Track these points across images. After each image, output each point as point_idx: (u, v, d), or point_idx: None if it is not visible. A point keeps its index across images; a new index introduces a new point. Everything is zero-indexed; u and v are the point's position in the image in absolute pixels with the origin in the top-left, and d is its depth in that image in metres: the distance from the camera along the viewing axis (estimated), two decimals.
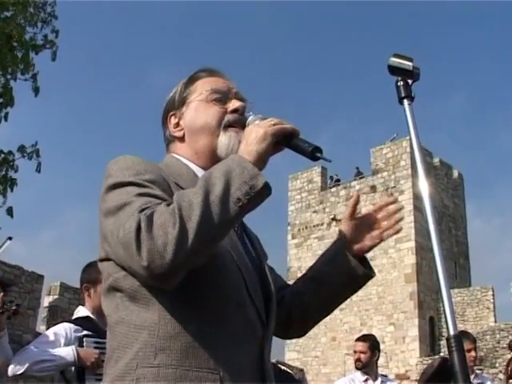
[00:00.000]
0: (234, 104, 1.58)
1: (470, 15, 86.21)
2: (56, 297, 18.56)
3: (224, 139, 1.53)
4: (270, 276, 1.56)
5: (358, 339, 5.51)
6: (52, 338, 3.46)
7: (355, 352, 5.42)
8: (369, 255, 1.64)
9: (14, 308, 3.52)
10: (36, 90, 8.44)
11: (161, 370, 1.27)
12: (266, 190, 1.30)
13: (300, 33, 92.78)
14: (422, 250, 31.12)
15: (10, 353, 3.52)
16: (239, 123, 1.54)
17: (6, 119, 8.19)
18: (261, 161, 1.35)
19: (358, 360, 5.37)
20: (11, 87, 8.20)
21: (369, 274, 1.63)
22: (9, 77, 8.25)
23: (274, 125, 1.40)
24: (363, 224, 1.62)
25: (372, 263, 1.66)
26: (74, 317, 3.71)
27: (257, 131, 1.39)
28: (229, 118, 1.56)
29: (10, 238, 5.18)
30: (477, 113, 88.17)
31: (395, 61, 1.49)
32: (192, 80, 1.63)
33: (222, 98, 1.58)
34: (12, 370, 3.35)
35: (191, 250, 1.22)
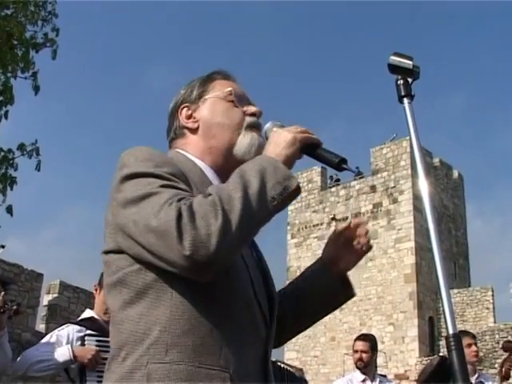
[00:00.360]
0: (252, 108, 1.61)
1: (470, 15, 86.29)
2: (55, 295, 18.51)
3: (245, 138, 1.55)
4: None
5: (359, 339, 5.45)
6: (54, 339, 3.54)
7: (356, 351, 5.33)
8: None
9: (14, 308, 3.52)
10: (36, 89, 8.44)
11: (172, 367, 1.26)
12: (297, 192, 1.34)
13: (300, 33, 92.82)
14: (422, 250, 31.12)
15: (10, 352, 3.56)
16: (257, 127, 1.58)
17: (6, 117, 8.20)
18: (289, 164, 1.39)
19: (359, 360, 5.30)
20: (11, 85, 8.20)
21: (349, 294, 1.66)
22: (9, 75, 8.25)
23: (301, 132, 1.44)
24: (344, 244, 1.64)
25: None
26: (80, 318, 3.81)
27: (286, 136, 1.42)
28: (248, 120, 1.59)
29: (3, 247, 5.26)
30: (477, 113, 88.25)
31: (395, 59, 1.49)
32: (210, 79, 1.65)
33: (238, 101, 1.61)
34: (14, 372, 3.45)
35: (232, 242, 1.24)
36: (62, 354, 3.37)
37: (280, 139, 1.42)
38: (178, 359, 1.27)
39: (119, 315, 1.36)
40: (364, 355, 5.28)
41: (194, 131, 1.58)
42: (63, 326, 3.68)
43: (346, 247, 1.63)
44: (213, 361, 1.29)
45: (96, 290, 3.74)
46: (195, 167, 1.51)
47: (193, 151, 1.56)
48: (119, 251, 1.36)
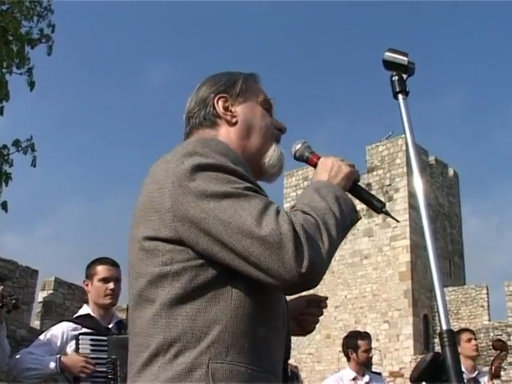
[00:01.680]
0: (281, 123, 1.65)
1: (469, 15, 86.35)
2: (50, 292, 18.48)
3: (276, 152, 1.58)
4: None
5: (365, 337, 5.40)
6: (48, 340, 3.51)
7: (367, 351, 5.28)
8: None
9: (13, 302, 3.49)
10: (31, 85, 8.43)
11: (234, 368, 1.26)
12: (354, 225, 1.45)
13: (298, 31, 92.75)
14: (417, 248, 31.17)
15: (8, 347, 3.55)
16: (279, 142, 1.62)
17: (1, 113, 8.18)
18: None
19: (370, 358, 5.34)
20: (6, 81, 8.18)
21: None
22: (4, 71, 8.22)
23: (352, 167, 1.52)
24: (301, 309, 1.66)
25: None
26: (76, 315, 3.76)
27: (342, 167, 1.49)
28: (276, 133, 1.62)
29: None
30: (474, 111, 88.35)
31: (390, 55, 1.49)
32: (252, 80, 1.64)
33: (270, 110, 1.63)
34: (8, 373, 3.49)
35: (329, 264, 1.30)
36: (50, 365, 3.34)
37: (338, 169, 1.48)
38: (238, 360, 1.27)
39: (170, 309, 1.29)
40: (370, 353, 5.33)
41: (230, 124, 1.55)
42: (58, 324, 3.64)
43: (301, 314, 1.65)
44: (265, 364, 1.31)
45: (87, 284, 3.66)
46: None
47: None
48: (177, 242, 1.30)
